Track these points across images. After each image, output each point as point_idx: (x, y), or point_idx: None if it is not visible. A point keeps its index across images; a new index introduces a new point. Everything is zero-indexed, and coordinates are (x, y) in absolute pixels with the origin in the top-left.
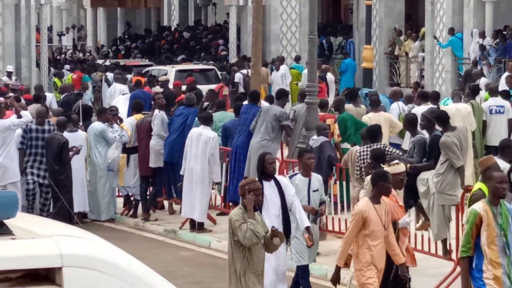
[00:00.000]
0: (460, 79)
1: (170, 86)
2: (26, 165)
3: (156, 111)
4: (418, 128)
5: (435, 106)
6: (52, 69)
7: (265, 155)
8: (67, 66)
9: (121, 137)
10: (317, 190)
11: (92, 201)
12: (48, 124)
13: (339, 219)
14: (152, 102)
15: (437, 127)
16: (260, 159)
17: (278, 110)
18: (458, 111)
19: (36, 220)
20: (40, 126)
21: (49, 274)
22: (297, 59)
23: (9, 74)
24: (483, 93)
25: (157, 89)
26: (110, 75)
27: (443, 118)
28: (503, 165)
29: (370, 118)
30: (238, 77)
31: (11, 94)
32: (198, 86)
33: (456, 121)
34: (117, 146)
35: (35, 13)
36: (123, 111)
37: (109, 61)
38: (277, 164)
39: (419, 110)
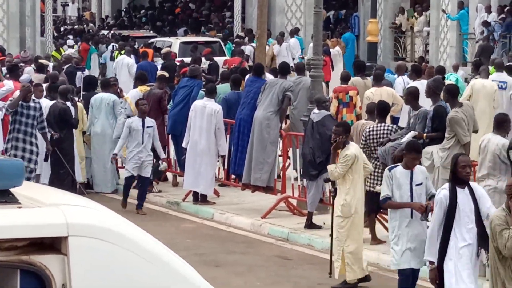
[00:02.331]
0: (464, 54)
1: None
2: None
3: (131, 119)
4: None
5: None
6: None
7: (458, 157)
8: (70, 38)
9: (125, 109)
10: (421, 183)
11: (98, 172)
12: (34, 102)
13: None
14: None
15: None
16: (453, 161)
17: (287, 83)
18: (484, 88)
19: (42, 189)
20: (25, 102)
21: (55, 243)
22: (296, 31)
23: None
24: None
25: (159, 61)
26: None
27: (454, 93)
28: (502, 141)
29: (372, 93)
30: (248, 50)
31: None
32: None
33: (481, 97)
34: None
35: None
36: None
37: (113, 32)
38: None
39: (415, 84)
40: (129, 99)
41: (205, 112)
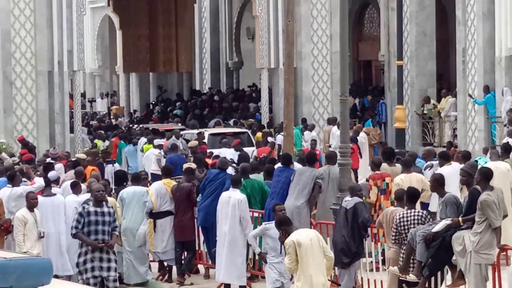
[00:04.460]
0: (493, 138)
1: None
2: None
3: None
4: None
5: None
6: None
7: None
8: (102, 133)
9: (146, 202)
10: None
11: (129, 266)
12: (107, 207)
13: (375, 280)
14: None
15: None
16: None
17: (317, 171)
18: (497, 169)
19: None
20: (99, 208)
21: None
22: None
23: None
24: None
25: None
26: (143, 140)
27: (488, 176)
28: None
29: (402, 180)
30: (279, 139)
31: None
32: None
33: (495, 179)
34: (145, 223)
35: (68, 80)
36: None
37: (142, 126)
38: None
39: (443, 170)
40: (150, 192)
41: (230, 202)
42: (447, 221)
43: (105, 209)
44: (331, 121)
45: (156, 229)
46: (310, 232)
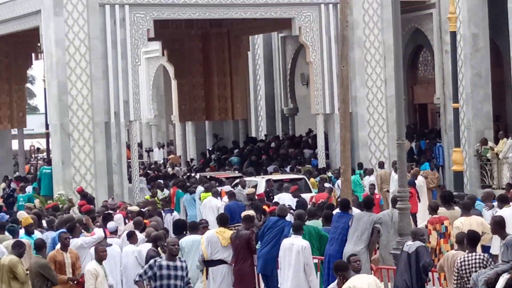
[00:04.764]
0: None
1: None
2: None
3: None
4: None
5: None
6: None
7: None
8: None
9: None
10: None
11: None
12: (180, 261)
13: None
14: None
15: None
16: None
17: (375, 215)
18: None
19: None
20: (172, 262)
21: None
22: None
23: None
24: None
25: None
26: (200, 188)
27: None
28: None
29: (462, 223)
30: (339, 184)
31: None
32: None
33: None
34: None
35: (125, 130)
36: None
37: (200, 174)
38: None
39: (503, 213)
40: (202, 240)
41: (293, 249)
42: (507, 275)
43: (178, 263)
44: (381, 165)
45: (208, 277)
46: (369, 278)
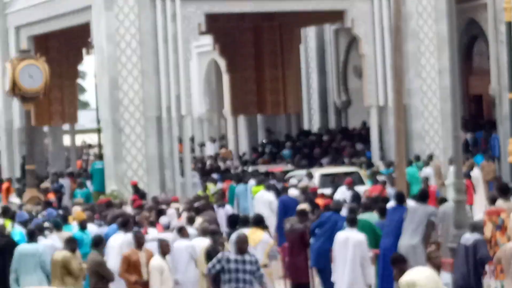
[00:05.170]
0: None
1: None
2: None
3: None
4: None
5: None
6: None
7: None
8: (215, 177)
9: None
10: None
11: None
12: (249, 255)
13: None
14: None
15: None
16: None
17: (430, 208)
18: None
19: None
20: (240, 255)
21: None
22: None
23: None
24: None
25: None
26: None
27: None
28: None
29: None
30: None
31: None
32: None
33: None
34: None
35: (177, 125)
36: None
37: (252, 168)
38: None
39: None
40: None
41: (349, 243)
42: None
43: (247, 258)
44: (431, 157)
45: None
46: (427, 271)
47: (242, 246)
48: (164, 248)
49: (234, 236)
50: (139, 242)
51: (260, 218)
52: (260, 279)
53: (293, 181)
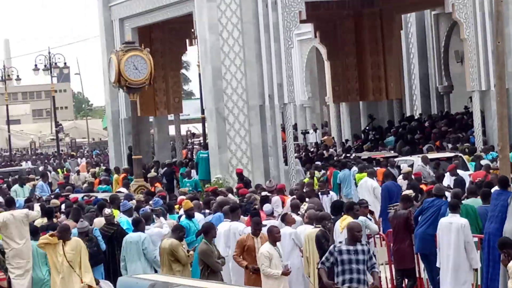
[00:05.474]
0: None
1: None
2: None
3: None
4: None
5: None
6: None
7: None
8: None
9: None
10: None
11: None
12: (361, 245)
13: None
14: None
15: None
16: None
17: None
18: None
19: None
20: (352, 246)
21: None
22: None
23: None
24: None
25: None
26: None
27: None
28: None
29: None
30: None
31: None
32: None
33: None
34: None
35: (279, 113)
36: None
37: (355, 155)
38: None
39: None
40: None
41: (452, 228)
42: None
43: (359, 247)
44: None
45: None
46: None
47: (354, 234)
48: (275, 235)
49: (352, 225)
50: (256, 228)
51: (350, 205)
52: (372, 269)
53: (404, 166)
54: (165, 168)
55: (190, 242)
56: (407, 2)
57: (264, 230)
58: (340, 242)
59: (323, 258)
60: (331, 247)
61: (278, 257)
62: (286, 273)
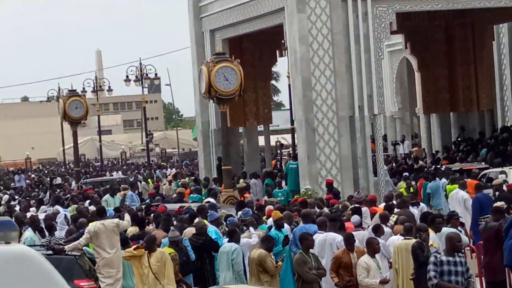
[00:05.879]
0: None
1: None
2: None
3: None
4: None
5: None
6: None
7: None
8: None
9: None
10: None
11: None
12: (459, 256)
13: None
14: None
15: None
16: None
17: None
18: None
19: None
20: (452, 257)
21: None
22: None
23: None
24: None
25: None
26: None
27: None
28: None
29: None
30: None
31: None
32: None
33: None
34: None
35: (369, 124)
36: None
37: (445, 166)
38: None
39: None
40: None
41: None
42: None
43: (457, 259)
44: None
45: None
46: None
47: (455, 244)
48: (375, 247)
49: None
50: (349, 243)
51: (431, 218)
52: (469, 282)
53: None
54: (252, 179)
55: (277, 252)
56: (499, 13)
57: (356, 243)
58: (439, 253)
59: (432, 272)
60: (432, 258)
61: (376, 269)
62: (384, 281)
